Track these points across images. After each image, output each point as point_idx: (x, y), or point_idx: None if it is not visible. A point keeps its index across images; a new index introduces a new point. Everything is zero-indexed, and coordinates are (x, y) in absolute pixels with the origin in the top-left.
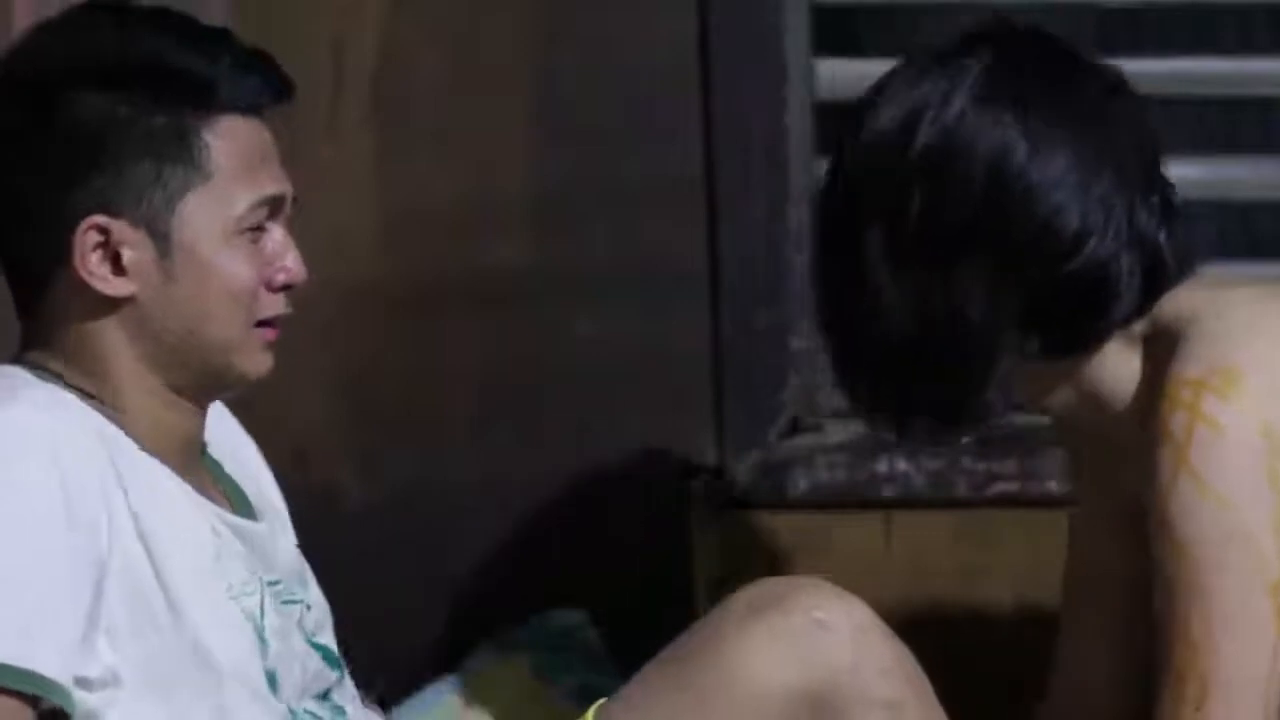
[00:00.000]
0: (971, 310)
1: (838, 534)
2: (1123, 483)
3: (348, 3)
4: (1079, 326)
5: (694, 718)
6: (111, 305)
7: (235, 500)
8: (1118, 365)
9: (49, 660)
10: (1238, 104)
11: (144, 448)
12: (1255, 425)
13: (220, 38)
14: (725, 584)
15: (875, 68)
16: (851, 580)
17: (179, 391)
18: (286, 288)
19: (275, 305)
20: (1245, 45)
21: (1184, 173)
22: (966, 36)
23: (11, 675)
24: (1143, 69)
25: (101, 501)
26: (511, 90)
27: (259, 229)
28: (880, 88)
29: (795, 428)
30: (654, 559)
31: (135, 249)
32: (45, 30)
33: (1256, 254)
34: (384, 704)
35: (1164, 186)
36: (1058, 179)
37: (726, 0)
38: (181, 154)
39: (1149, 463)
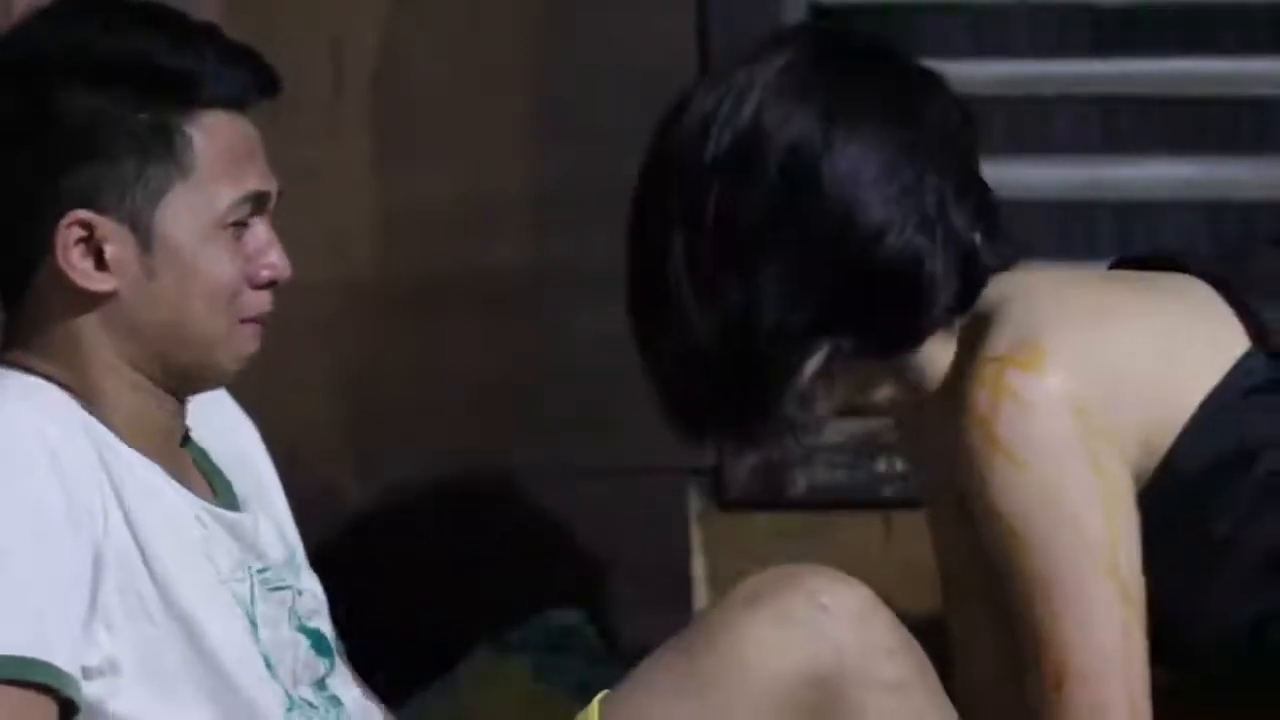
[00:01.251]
0: (767, 313)
1: (838, 534)
2: (945, 473)
3: (348, 3)
4: (893, 326)
5: (699, 704)
6: (93, 300)
7: (218, 489)
8: (935, 353)
9: (63, 652)
10: (1237, 104)
11: (125, 440)
12: (1063, 400)
13: (206, 33)
14: (725, 584)
15: None
16: None
17: (160, 385)
18: (271, 284)
19: (260, 302)
20: (1244, 45)
21: (1183, 173)
22: (773, 38)
23: (34, 668)
24: (1141, 69)
25: (96, 493)
26: (511, 90)
27: (242, 225)
28: (687, 92)
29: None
30: (654, 559)
31: (118, 244)
32: (32, 24)
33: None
34: (384, 705)
35: (980, 188)
36: (854, 174)
37: (726, 0)
38: (165, 150)
39: (961, 447)
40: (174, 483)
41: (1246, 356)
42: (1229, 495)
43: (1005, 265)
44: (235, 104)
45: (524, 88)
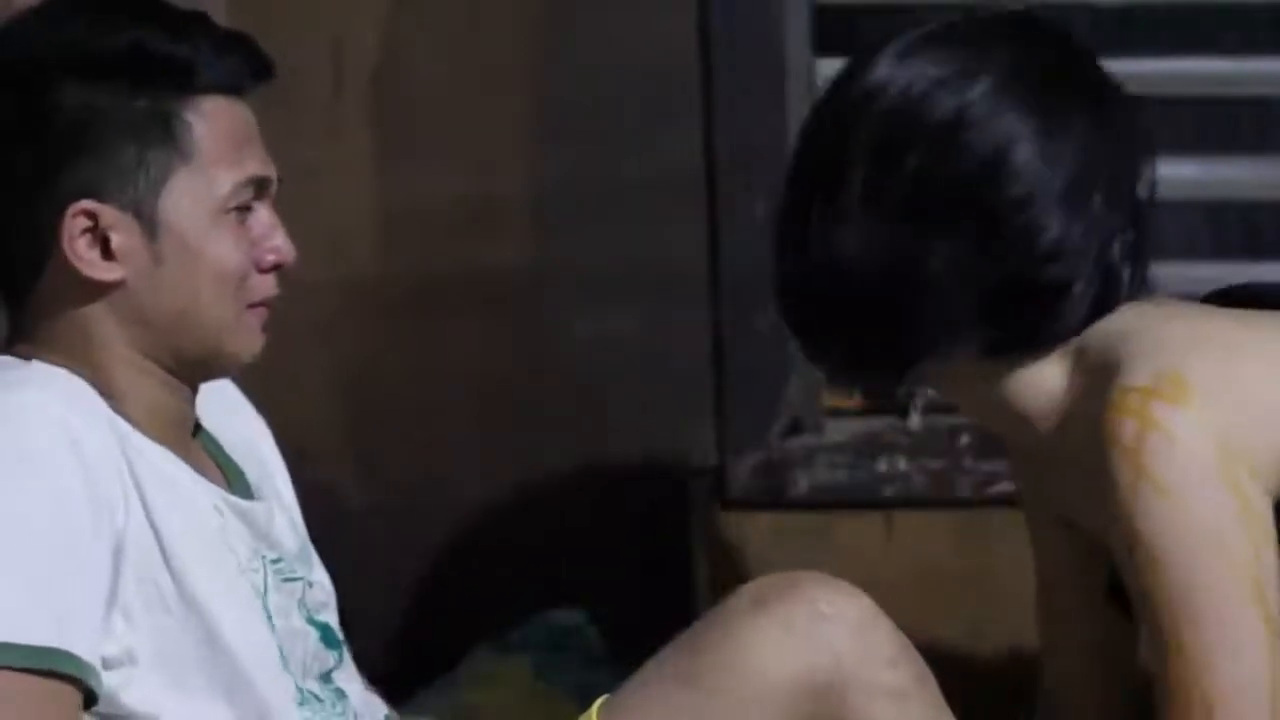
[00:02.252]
0: (937, 281)
1: (838, 534)
2: (1048, 495)
3: (348, 3)
4: (1023, 331)
5: (698, 710)
6: (101, 290)
7: (232, 478)
8: (1036, 379)
9: (84, 643)
10: (1237, 104)
11: (142, 430)
12: (1207, 432)
13: (198, 20)
14: (725, 584)
15: None
16: (851, 580)
17: (172, 373)
18: (276, 268)
19: (266, 287)
20: (1244, 45)
21: (1183, 173)
22: (996, 21)
23: (57, 658)
24: (1140, 69)
25: (117, 482)
26: (511, 90)
27: (245, 209)
28: (890, 47)
29: (795, 428)
30: (654, 559)
31: (123, 233)
32: (25, 21)
33: (1256, 254)
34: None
35: (1144, 221)
36: (1054, 188)
37: (726, 0)
38: (164, 137)
39: (1104, 476)
40: (191, 472)
41: None
42: None
43: (1132, 300)
44: (231, 89)
45: (524, 88)
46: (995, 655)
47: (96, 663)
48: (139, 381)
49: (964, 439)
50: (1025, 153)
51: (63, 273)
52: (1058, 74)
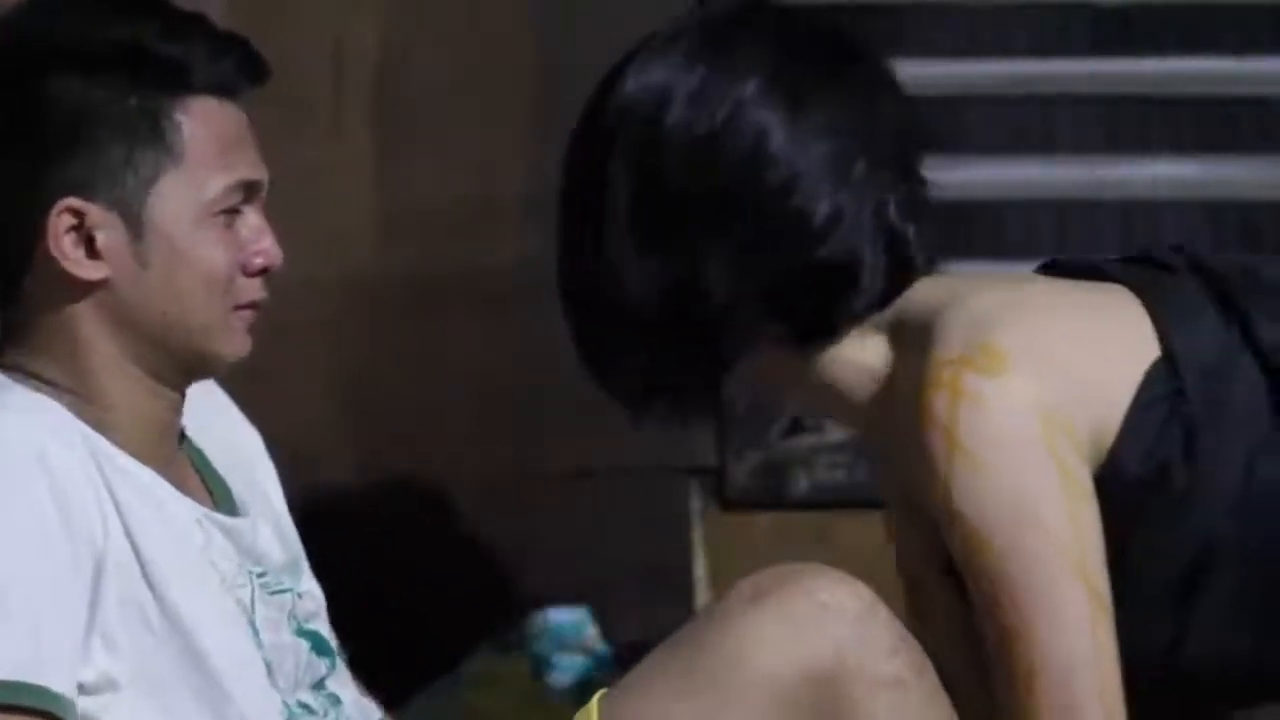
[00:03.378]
0: (718, 291)
1: (838, 534)
2: (895, 478)
3: (348, 3)
4: (820, 314)
5: (698, 701)
6: (86, 290)
7: (217, 493)
8: (855, 357)
9: (58, 675)
10: (1237, 103)
11: (123, 446)
12: (1023, 400)
13: (194, 20)
14: (726, 584)
15: None
16: None
17: (157, 376)
18: (263, 271)
19: (253, 290)
20: (1245, 45)
21: (1183, 173)
22: (737, 15)
23: (27, 693)
24: (1141, 69)
25: (95, 508)
26: (511, 90)
27: (234, 212)
28: (637, 54)
29: (795, 428)
30: (654, 559)
31: (109, 232)
32: (20, 14)
33: (1256, 254)
34: (384, 706)
35: (917, 180)
36: (815, 165)
37: (726, 0)
38: (154, 137)
39: (920, 452)
40: (173, 490)
41: (1154, 366)
42: (1149, 511)
43: (933, 262)
44: (225, 91)
45: (524, 88)
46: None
47: (71, 694)
48: (123, 388)
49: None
50: (778, 139)
51: (48, 272)
52: (793, 54)
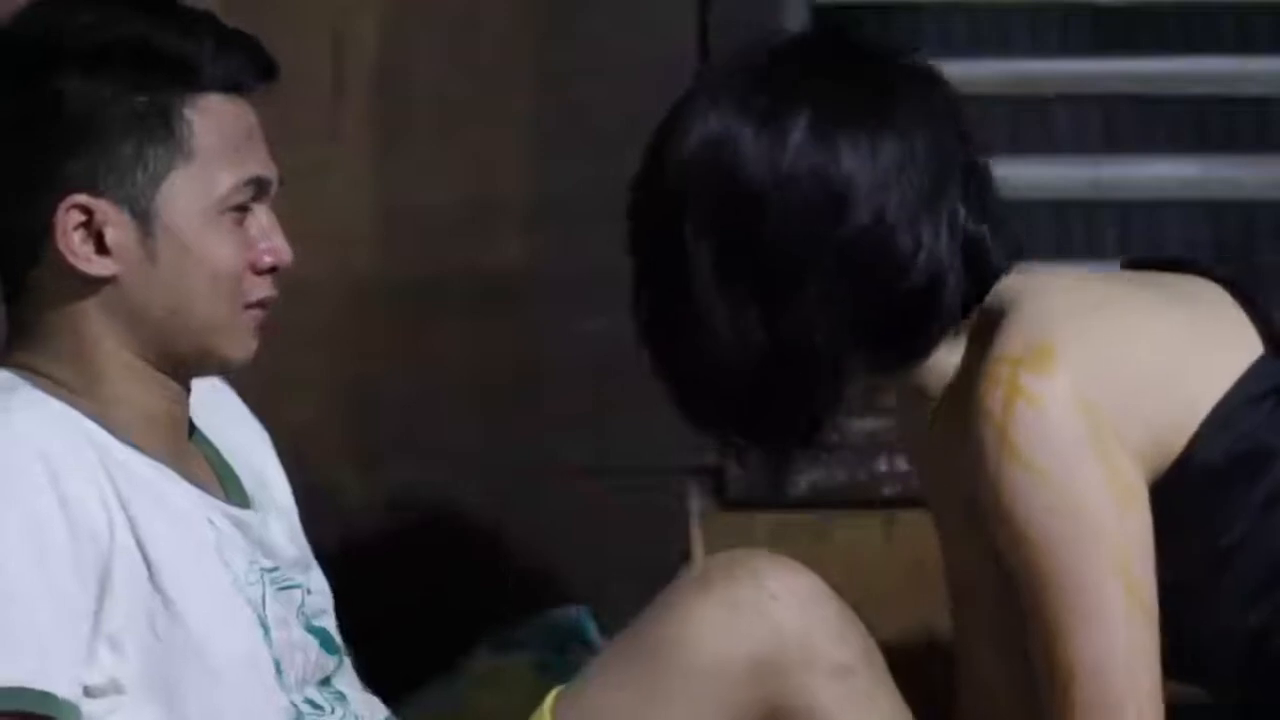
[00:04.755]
0: (795, 334)
1: (838, 534)
2: (959, 479)
3: (348, 2)
4: (910, 340)
5: (646, 690)
6: (95, 286)
7: (228, 485)
8: (942, 356)
9: (62, 680)
10: (1237, 103)
11: (132, 441)
12: (1074, 401)
13: (203, 18)
14: None
15: None
16: (851, 580)
17: (164, 372)
18: (273, 270)
19: (262, 287)
20: (1245, 44)
21: (1183, 172)
22: (777, 50)
23: (30, 698)
24: (1141, 68)
25: (101, 509)
26: (511, 90)
27: (243, 209)
28: (693, 101)
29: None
30: (654, 559)
31: (118, 229)
32: (30, 11)
33: (1255, 254)
34: (385, 704)
35: (987, 184)
36: (886, 196)
37: (726, 0)
38: (164, 134)
39: (973, 446)
40: (183, 483)
41: (1261, 361)
42: (1240, 501)
43: (1012, 262)
44: (234, 88)
45: (524, 88)
46: None
47: (76, 699)
48: (130, 383)
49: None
50: (844, 175)
51: (56, 268)
52: (841, 82)
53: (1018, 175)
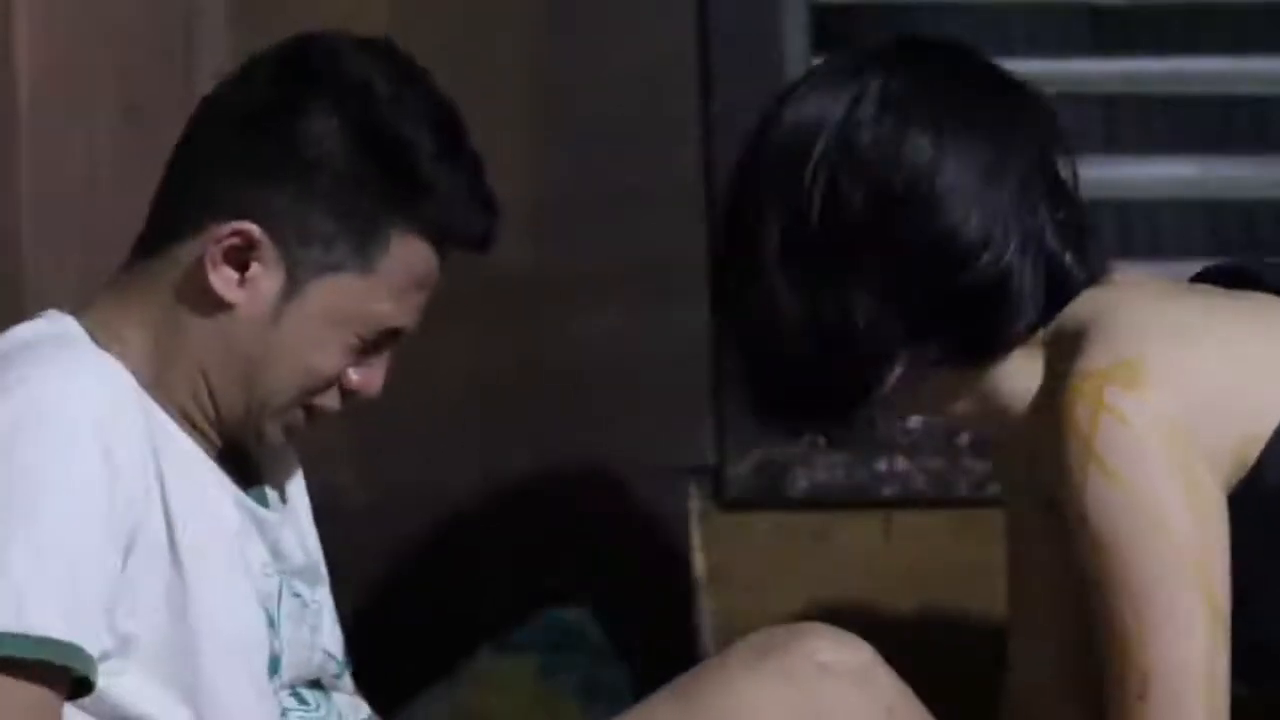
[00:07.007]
0: (859, 317)
1: (837, 534)
2: (1036, 485)
3: (348, 3)
4: (979, 337)
5: None
6: (212, 304)
7: (252, 489)
8: (1018, 372)
9: (89, 636)
10: (1237, 103)
11: (178, 421)
12: (1159, 417)
13: (470, 168)
14: (725, 584)
15: None
16: (851, 580)
17: (208, 418)
18: (352, 394)
19: (330, 398)
20: (1245, 44)
21: (1183, 172)
22: (877, 49)
23: (56, 649)
24: (1141, 69)
25: (141, 477)
26: (511, 90)
27: (370, 342)
28: (793, 88)
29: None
30: (654, 559)
31: (267, 276)
32: (360, 49)
33: (1256, 254)
34: (386, 707)
35: (1072, 201)
36: (959, 191)
37: (726, 0)
38: (363, 242)
39: (1058, 459)
40: (217, 469)
41: None
42: None
43: (1094, 280)
44: (447, 246)
45: (524, 88)
46: (993, 654)
47: (97, 656)
48: (186, 393)
49: (963, 438)
50: (926, 161)
51: (193, 263)
52: (944, 82)
53: None
